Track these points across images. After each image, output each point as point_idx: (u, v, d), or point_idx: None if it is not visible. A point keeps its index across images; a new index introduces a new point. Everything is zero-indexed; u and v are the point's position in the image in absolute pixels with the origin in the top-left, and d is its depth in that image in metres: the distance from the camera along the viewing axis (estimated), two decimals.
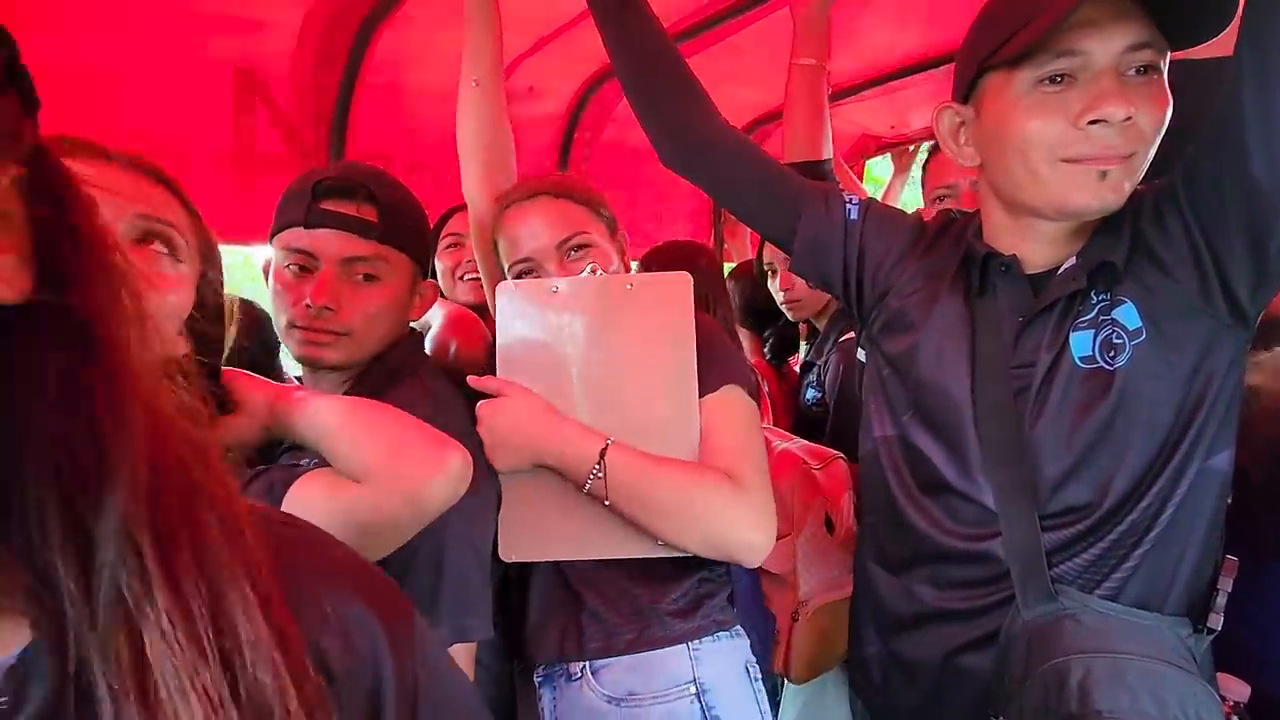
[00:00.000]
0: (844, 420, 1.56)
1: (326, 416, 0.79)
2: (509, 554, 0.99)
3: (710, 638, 1.02)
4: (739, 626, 1.08)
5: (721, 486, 0.94)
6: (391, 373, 0.96)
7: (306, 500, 0.76)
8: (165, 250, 0.71)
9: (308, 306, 0.90)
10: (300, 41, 1.55)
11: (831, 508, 1.31)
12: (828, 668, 1.31)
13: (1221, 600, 0.79)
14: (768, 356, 2.10)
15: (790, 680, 1.36)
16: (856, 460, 1.11)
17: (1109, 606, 0.79)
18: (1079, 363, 0.83)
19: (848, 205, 1.02)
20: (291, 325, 0.92)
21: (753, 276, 2.07)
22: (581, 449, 0.95)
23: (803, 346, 2.12)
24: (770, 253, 1.82)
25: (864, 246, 1.00)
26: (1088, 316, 0.84)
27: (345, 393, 0.95)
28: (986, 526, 0.86)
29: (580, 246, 1.07)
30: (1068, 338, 0.84)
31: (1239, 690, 0.82)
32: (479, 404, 0.99)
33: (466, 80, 1.20)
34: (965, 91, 0.89)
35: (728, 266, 2.48)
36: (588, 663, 1.01)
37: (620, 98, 2.24)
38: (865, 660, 1.03)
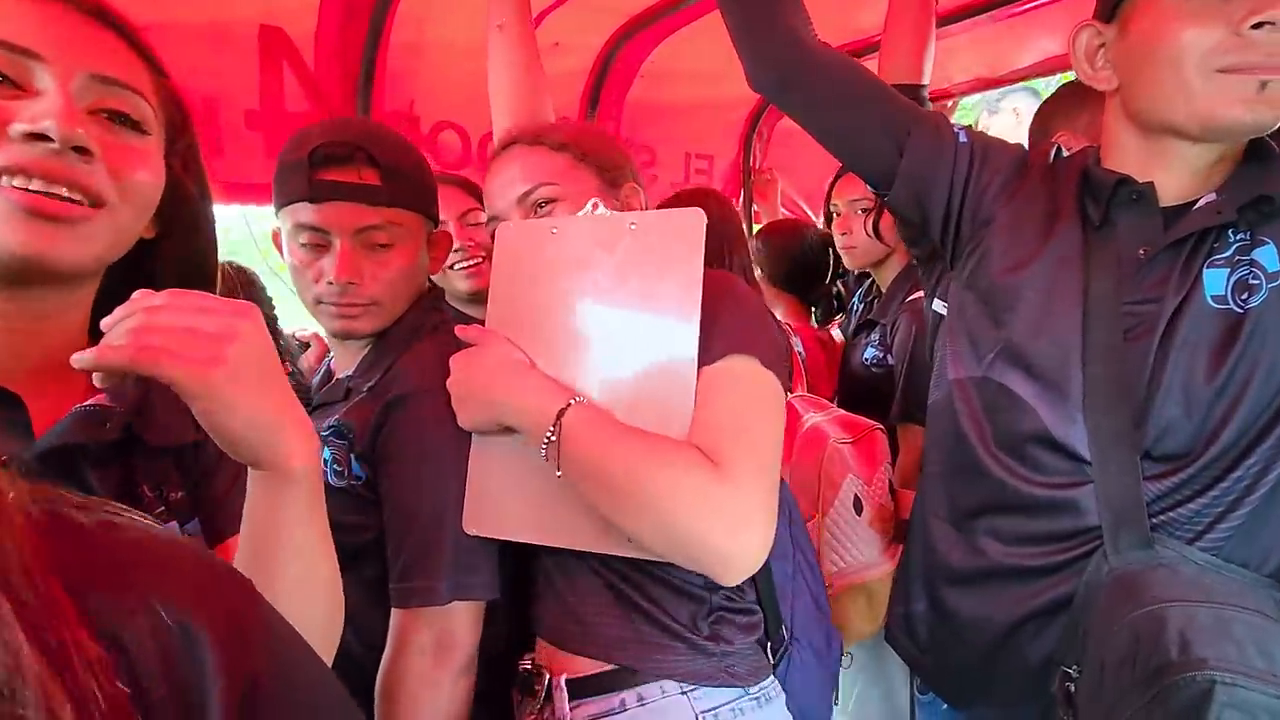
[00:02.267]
0: (915, 382, 1.48)
1: None
2: (470, 526, 0.85)
3: (728, 701, 0.79)
4: (774, 683, 0.85)
5: (695, 470, 0.71)
6: (411, 330, 0.95)
7: None
8: (128, 122, 0.58)
9: (330, 284, 0.89)
10: None
11: (862, 486, 1.27)
12: (866, 635, 1.28)
13: None
14: (817, 318, 2.04)
15: None
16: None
17: (1209, 560, 0.76)
18: (1211, 301, 0.78)
19: (957, 130, 0.97)
20: (319, 301, 0.91)
21: (786, 235, 2.01)
22: (540, 407, 0.77)
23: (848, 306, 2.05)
24: (840, 194, 1.75)
25: (972, 172, 0.95)
26: (1224, 255, 0.79)
27: (366, 355, 0.95)
28: (1074, 474, 0.83)
29: (545, 201, 0.90)
30: (1200, 274, 0.79)
31: None
32: (453, 355, 0.86)
33: (491, 25, 1.13)
34: (1110, 9, 0.85)
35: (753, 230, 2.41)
36: (564, 689, 0.83)
37: (647, 52, 2.19)
38: (910, 617, 1.00)
